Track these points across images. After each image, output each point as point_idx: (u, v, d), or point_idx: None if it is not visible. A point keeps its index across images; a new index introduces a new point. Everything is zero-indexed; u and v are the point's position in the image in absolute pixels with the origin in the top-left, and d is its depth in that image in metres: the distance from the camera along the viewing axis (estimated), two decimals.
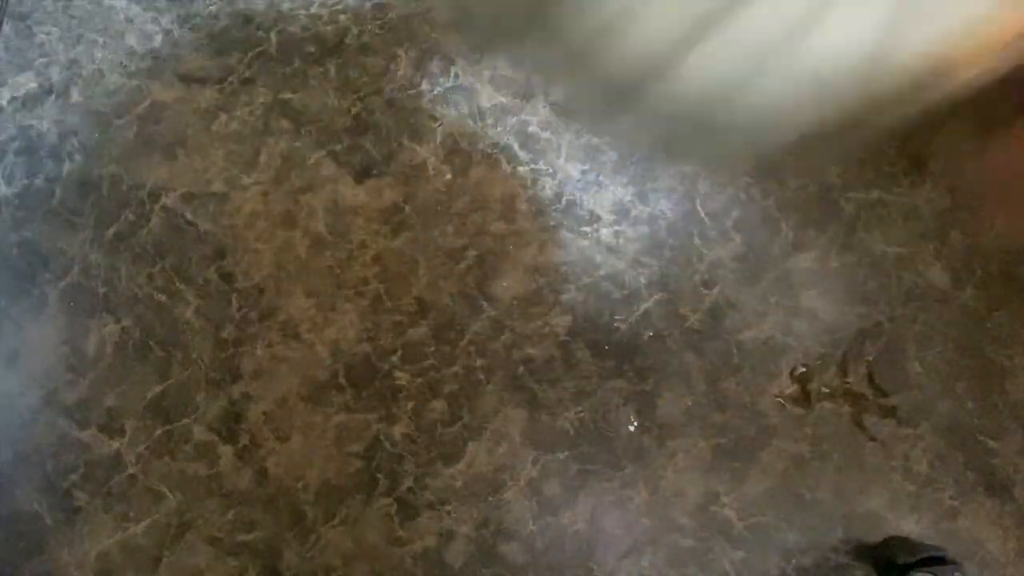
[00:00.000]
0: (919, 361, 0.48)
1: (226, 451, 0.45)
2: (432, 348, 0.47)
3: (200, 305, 0.47)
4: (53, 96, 0.52)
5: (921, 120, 0.40)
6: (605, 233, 0.50)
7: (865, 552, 0.44)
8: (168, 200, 0.50)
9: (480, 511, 0.44)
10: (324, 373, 0.46)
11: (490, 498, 0.45)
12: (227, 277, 0.48)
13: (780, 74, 0.34)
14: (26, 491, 0.44)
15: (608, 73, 0.35)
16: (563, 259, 0.49)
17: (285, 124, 0.51)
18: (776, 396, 0.46)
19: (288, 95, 0.52)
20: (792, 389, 0.47)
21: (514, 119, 0.52)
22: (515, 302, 0.47)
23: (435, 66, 0.53)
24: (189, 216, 0.49)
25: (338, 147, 0.51)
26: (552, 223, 0.50)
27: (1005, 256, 0.50)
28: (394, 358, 0.46)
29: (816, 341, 0.48)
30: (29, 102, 0.51)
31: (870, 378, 0.47)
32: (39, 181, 0.50)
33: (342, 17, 0.54)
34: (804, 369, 0.47)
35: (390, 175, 0.50)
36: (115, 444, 0.45)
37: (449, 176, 0.50)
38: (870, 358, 0.47)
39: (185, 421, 0.45)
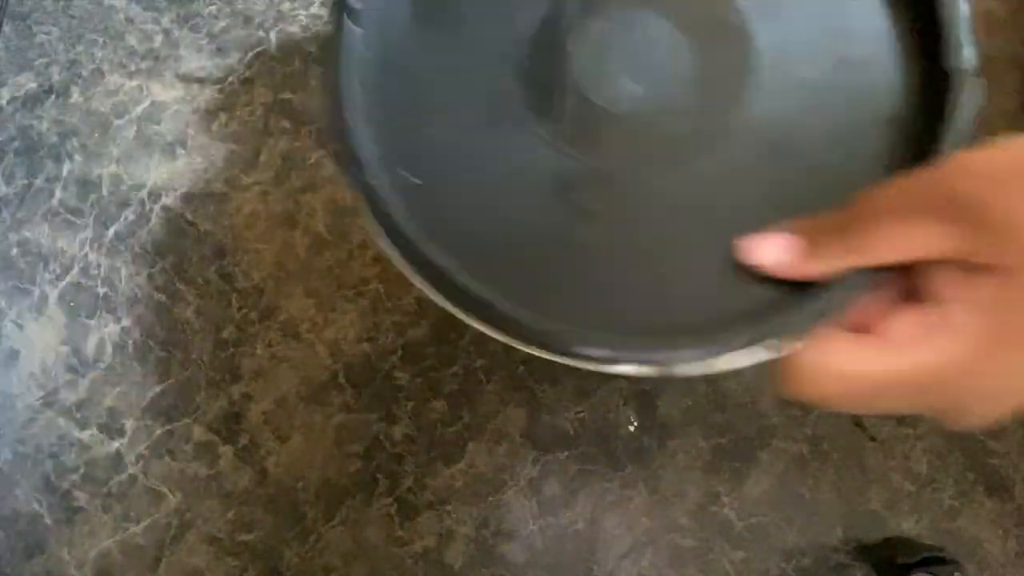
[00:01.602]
0: None
1: (226, 451, 0.45)
2: (432, 348, 0.46)
3: (200, 305, 0.47)
4: (53, 96, 0.52)
5: None
6: None
7: (865, 552, 0.44)
8: (168, 200, 0.50)
9: (480, 511, 0.44)
10: (324, 373, 0.46)
11: (490, 498, 0.44)
12: (227, 277, 0.48)
13: None
14: (26, 491, 0.44)
15: None
16: None
17: (285, 124, 0.51)
18: (776, 396, 0.46)
19: (288, 95, 0.52)
20: None
21: None
22: None
23: None
24: (189, 216, 0.49)
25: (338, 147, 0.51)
26: None
27: None
28: (394, 358, 0.46)
29: None
30: (29, 102, 0.51)
31: None
32: (39, 181, 0.50)
33: None
34: None
35: None
36: (115, 444, 0.45)
37: None
38: None
39: (185, 421, 0.45)
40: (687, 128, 0.30)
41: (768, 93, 0.30)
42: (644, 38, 0.31)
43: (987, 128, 0.53)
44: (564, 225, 0.29)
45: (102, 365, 0.46)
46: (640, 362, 0.27)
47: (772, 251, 0.27)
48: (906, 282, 0.26)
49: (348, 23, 0.30)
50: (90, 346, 0.46)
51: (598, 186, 0.30)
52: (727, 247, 0.28)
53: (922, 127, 0.29)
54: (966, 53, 0.28)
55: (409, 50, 0.32)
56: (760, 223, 0.27)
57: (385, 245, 0.29)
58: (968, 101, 0.27)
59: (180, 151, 0.51)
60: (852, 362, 0.24)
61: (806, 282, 0.26)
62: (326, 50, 0.30)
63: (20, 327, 0.47)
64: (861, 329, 0.26)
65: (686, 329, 0.27)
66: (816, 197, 0.27)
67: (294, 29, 0.53)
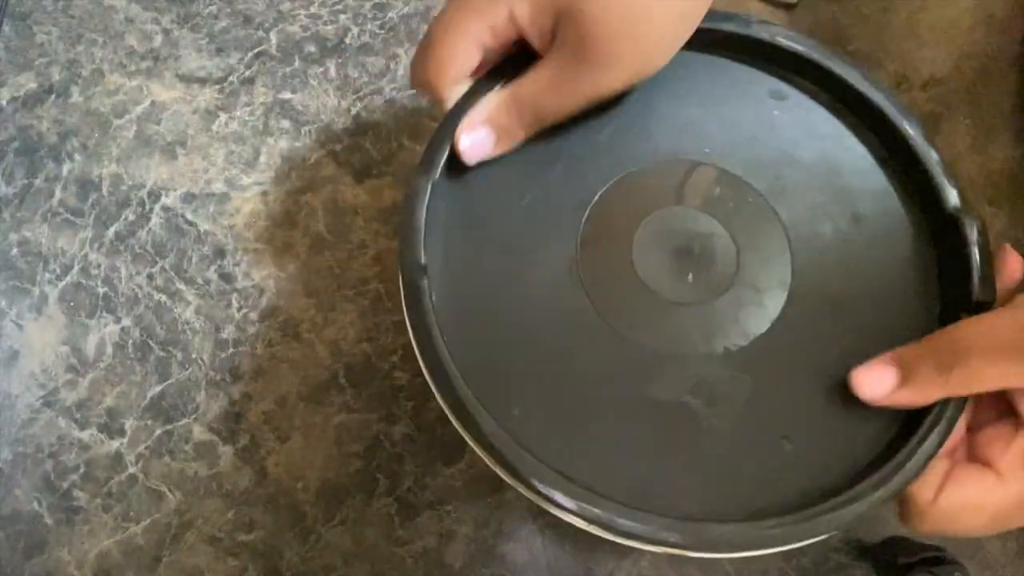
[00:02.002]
0: None
1: (226, 451, 0.45)
2: None
3: (200, 305, 0.47)
4: (53, 96, 0.52)
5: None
6: None
7: (865, 552, 0.44)
8: (168, 200, 0.50)
9: (480, 511, 0.44)
10: (324, 373, 0.46)
11: (490, 498, 0.45)
12: (227, 277, 0.48)
13: None
14: (26, 491, 0.44)
15: None
16: None
17: (285, 124, 0.51)
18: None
19: (288, 95, 0.52)
20: None
21: None
22: None
23: None
24: (189, 216, 0.49)
25: (338, 147, 0.51)
26: None
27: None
28: (394, 358, 0.46)
29: None
30: (29, 102, 0.51)
31: None
32: (39, 181, 0.50)
33: (342, 17, 0.54)
34: None
35: (390, 175, 0.50)
36: (115, 444, 0.45)
37: None
38: None
39: (185, 421, 0.45)
40: (749, 303, 0.32)
41: (805, 258, 0.33)
42: (685, 230, 0.34)
43: (985, 128, 0.54)
44: (661, 419, 0.31)
45: (102, 365, 0.46)
46: (771, 546, 0.29)
47: (871, 383, 0.29)
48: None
49: (425, 282, 0.31)
50: (90, 346, 0.47)
51: (681, 377, 0.31)
52: (819, 406, 0.31)
53: (945, 262, 0.32)
54: (953, 195, 0.32)
55: (473, 288, 0.33)
56: (838, 377, 0.31)
57: (516, 484, 0.30)
58: (975, 233, 0.31)
59: (180, 151, 0.51)
60: (972, 496, 0.27)
61: (907, 428, 0.29)
62: (417, 320, 0.31)
63: (20, 327, 0.47)
64: (958, 450, 0.29)
65: (811, 500, 0.29)
66: (877, 338, 0.31)
67: (294, 29, 0.53)
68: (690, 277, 0.33)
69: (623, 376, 0.32)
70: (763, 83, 0.36)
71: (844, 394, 0.31)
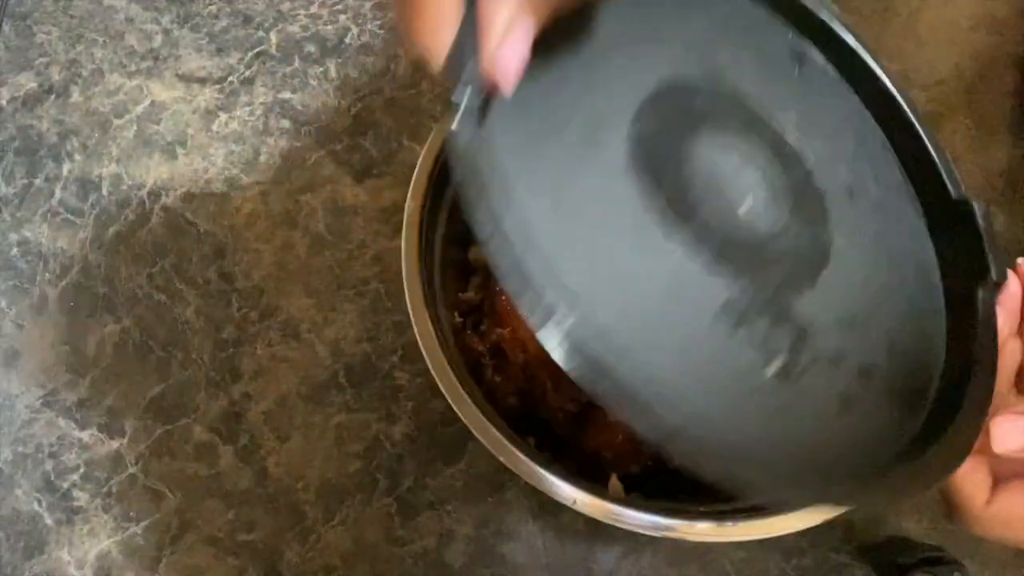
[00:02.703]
0: None
1: (226, 451, 0.45)
2: None
3: (200, 305, 0.47)
4: (53, 96, 0.52)
5: None
6: None
7: (865, 552, 0.44)
8: (168, 200, 0.50)
9: (480, 511, 0.44)
10: (324, 373, 0.46)
11: (490, 498, 0.45)
12: (227, 277, 0.48)
13: None
14: (26, 491, 0.44)
15: None
16: None
17: (285, 124, 0.51)
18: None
19: (288, 95, 0.52)
20: None
21: None
22: None
23: None
24: (189, 216, 0.49)
25: (338, 147, 0.51)
26: None
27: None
28: (394, 358, 0.46)
29: None
30: (29, 102, 0.51)
31: None
32: (39, 181, 0.50)
33: (342, 17, 0.54)
34: None
35: (390, 175, 0.50)
36: (115, 444, 0.45)
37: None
38: None
39: (185, 421, 0.45)
40: (807, 245, 0.31)
41: (843, 222, 0.32)
42: (740, 160, 0.32)
43: (985, 128, 0.54)
44: (744, 361, 0.28)
45: (102, 365, 0.46)
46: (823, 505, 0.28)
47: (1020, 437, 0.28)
48: None
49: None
50: (90, 346, 0.47)
51: (764, 315, 0.29)
52: (885, 364, 0.30)
53: (952, 244, 0.33)
54: (957, 187, 0.33)
55: (522, 164, 0.27)
56: (889, 327, 0.31)
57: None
58: (980, 216, 0.32)
59: (180, 151, 0.51)
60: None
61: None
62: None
63: (20, 327, 0.47)
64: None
65: (877, 465, 0.28)
66: (916, 293, 0.32)
67: (294, 29, 0.53)
68: (754, 203, 0.31)
69: (691, 297, 0.28)
70: (786, 39, 0.35)
71: (896, 364, 0.30)
